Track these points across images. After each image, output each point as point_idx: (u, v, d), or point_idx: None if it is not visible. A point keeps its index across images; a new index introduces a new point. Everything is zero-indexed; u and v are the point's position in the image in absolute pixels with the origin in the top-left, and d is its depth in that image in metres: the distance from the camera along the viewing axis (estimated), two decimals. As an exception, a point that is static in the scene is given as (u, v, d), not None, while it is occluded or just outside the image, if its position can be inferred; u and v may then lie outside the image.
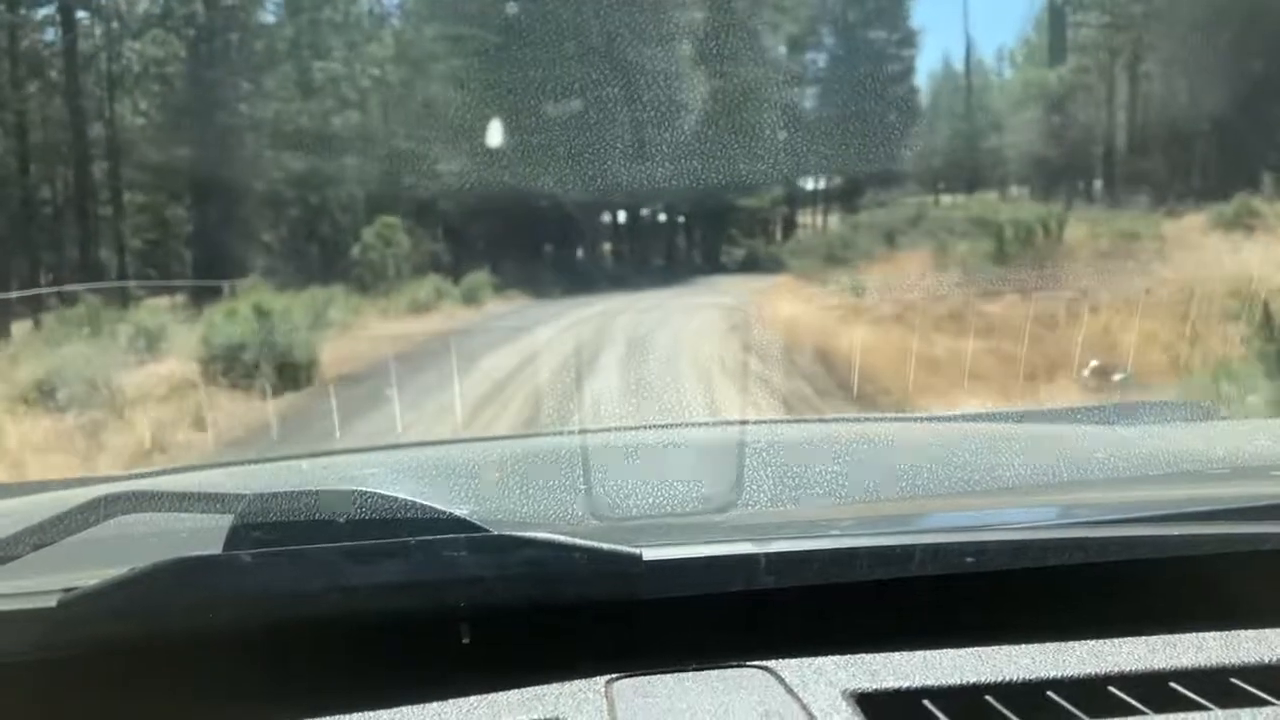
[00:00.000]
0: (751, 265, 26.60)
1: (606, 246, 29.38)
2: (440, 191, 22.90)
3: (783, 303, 15.41)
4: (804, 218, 31.96)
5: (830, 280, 17.27)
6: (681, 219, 29.04)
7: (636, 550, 0.91)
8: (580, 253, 28.16)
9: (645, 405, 7.58)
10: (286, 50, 22.87)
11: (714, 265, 27.24)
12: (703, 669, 0.88)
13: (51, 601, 0.86)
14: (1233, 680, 0.85)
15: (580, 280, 22.05)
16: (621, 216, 28.70)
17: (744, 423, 1.94)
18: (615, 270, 26.15)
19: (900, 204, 26.43)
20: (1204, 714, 0.80)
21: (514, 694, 0.85)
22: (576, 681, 0.87)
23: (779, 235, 31.62)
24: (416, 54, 23.39)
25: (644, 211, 28.05)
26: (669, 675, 0.88)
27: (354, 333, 14.91)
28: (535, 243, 26.98)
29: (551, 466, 1.65)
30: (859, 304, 14.06)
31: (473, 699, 0.85)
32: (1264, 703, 0.82)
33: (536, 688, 0.86)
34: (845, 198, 27.35)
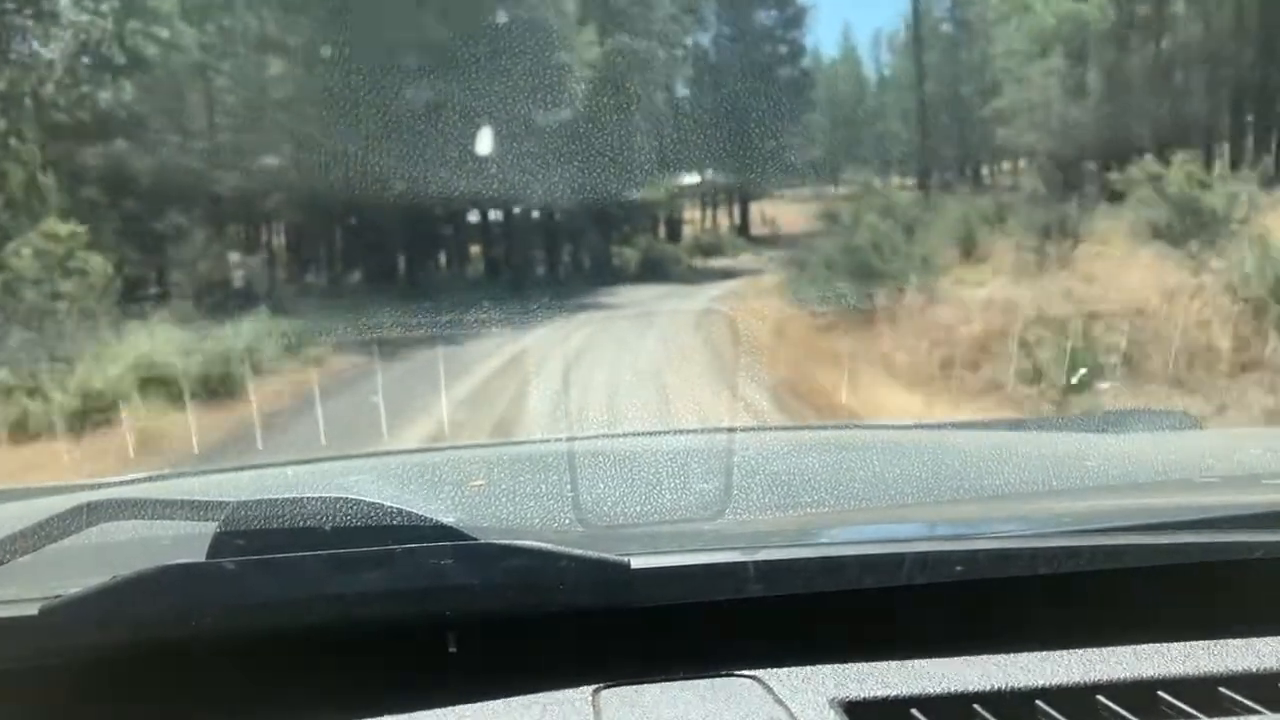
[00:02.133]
0: (665, 275, 21.09)
1: (475, 250, 22.20)
2: (233, 187, 16.02)
3: (845, 384, 7.48)
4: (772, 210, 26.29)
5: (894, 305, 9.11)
6: (559, 219, 21.91)
7: (624, 558, 0.91)
8: (443, 264, 20.76)
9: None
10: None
11: (612, 274, 21.24)
12: (691, 678, 0.88)
13: (33, 610, 0.85)
14: (1221, 689, 0.85)
15: (440, 315, 13.88)
16: (495, 216, 21.30)
17: (732, 430, 1.94)
18: (493, 292, 18.61)
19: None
20: None
21: (500, 703, 0.85)
22: (563, 690, 0.86)
23: (710, 230, 26.40)
24: (213, 12, 18.76)
25: (517, 211, 21.17)
26: (656, 684, 0.87)
27: None
28: (378, 260, 18.45)
29: (539, 473, 1.65)
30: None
31: (459, 708, 0.84)
32: (1252, 712, 0.82)
33: (523, 697, 0.85)
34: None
